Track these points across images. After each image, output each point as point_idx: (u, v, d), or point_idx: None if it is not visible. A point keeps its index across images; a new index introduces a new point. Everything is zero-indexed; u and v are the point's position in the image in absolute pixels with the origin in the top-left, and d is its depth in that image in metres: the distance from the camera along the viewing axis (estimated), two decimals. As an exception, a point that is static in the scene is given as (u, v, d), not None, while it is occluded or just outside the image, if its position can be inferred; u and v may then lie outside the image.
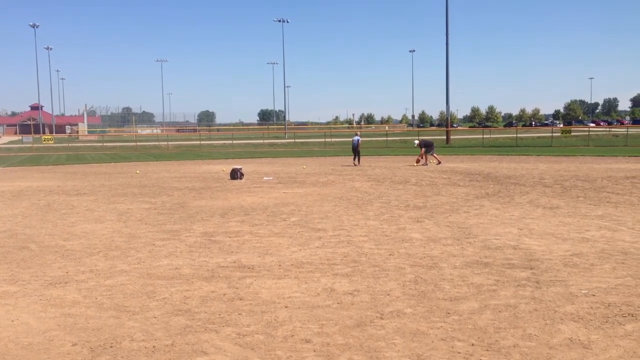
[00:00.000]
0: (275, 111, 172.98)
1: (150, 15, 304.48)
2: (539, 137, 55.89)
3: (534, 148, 39.80)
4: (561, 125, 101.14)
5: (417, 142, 29.18)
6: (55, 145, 61.00)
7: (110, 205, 14.59)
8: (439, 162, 26.89)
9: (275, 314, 5.97)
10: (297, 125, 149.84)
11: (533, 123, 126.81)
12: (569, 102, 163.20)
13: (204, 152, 44.57)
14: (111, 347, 5.16)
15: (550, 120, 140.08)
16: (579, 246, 8.88)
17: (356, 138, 28.85)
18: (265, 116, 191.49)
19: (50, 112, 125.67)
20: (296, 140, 65.27)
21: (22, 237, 10.50)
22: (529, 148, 39.94)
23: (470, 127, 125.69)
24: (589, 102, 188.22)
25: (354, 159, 28.48)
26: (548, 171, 21.95)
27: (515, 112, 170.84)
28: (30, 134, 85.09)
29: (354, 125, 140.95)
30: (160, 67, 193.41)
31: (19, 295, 6.82)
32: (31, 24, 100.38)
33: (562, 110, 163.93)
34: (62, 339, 5.38)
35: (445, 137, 50.93)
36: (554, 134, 49.64)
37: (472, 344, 5.08)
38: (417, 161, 27.28)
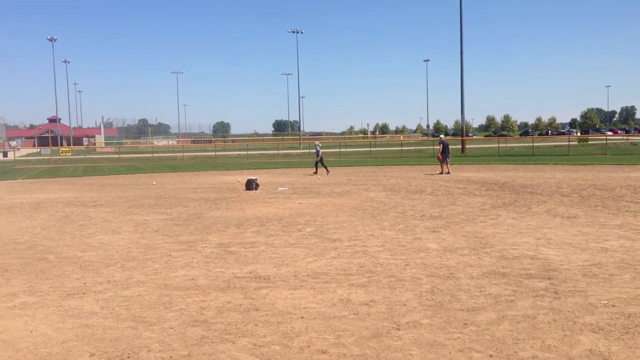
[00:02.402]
0: (290, 122, 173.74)
1: (166, 28, 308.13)
2: (555, 146, 55.46)
3: (550, 157, 39.48)
4: (578, 134, 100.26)
5: (442, 136, 29.79)
6: (73, 157, 61.68)
7: (127, 216, 14.70)
8: (446, 173, 26.71)
9: (292, 325, 5.96)
10: (312, 135, 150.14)
11: (549, 132, 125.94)
12: (586, 110, 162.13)
13: (219, 163, 44.79)
14: (128, 357, 5.19)
15: (567, 129, 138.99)
16: (598, 256, 8.78)
17: (319, 149, 29.85)
18: (280, 127, 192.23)
19: (67, 124, 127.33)
20: (311, 150, 65.31)
21: (41, 248, 10.61)
22: (546, 157, 39.63)
23: (485, 136, 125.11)
24: (606, 110, 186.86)
25: (324, 168, 29.28)
26: (565, 180, 21.76)
27: (531, 120, 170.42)
28: (48, 146, 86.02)
29: (369, 135, 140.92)
30: (176, 79, 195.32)
31: (37, 306, 6.89)
32: (49, 37, 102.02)
33: (579, 118, 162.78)
34: (80, 349, 5.42)
35: (460, 146, 50.70)
36: (570, 143, 49.20)
37: (490, 355, 5.03)
38: (442, 168, 27.15)
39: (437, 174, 26.81)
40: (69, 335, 5.81)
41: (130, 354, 5.26)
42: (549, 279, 7.51)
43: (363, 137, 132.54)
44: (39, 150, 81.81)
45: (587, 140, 54.74)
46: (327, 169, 29.16)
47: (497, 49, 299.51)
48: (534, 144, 51.84)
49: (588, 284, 7.24)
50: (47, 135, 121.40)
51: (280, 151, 65.27)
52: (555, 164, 32.11)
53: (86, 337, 5.74)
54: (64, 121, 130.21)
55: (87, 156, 64.87)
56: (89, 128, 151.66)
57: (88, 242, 11.12)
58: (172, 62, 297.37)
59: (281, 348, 5.34)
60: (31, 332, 5.95)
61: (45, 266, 9.05)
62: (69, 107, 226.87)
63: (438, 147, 27.67)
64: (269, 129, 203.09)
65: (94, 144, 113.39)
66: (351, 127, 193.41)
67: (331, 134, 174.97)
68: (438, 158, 27.55)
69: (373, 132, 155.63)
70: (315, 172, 29.22)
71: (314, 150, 30.22)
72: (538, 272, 7.89)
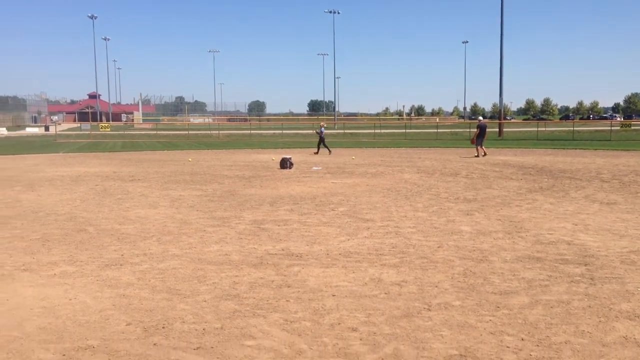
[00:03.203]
0: (325, 102, 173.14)
1: (203, 6, 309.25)
2: (597, 131, 54.13)
3: (591, 142, 38.53)
4: (621, 119, 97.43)
5: (481, 118, 29.36)
6: (112, 132, 62.85)
7: (164, 191, 14.95)
8: (483, 155, 26.33)
9: (323, 302, 6.01)
10: (347, 116, 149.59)
11: (591, 116, 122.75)
12: (630, 94, 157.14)
13: (254, 142, 45.06)
14: (163, 327, 5.32)
15: (609, 114, 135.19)
16: (637, 243, 8.58)
17: (323, 129, 30.36)
18: (315, 107, 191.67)
19: (107, 100, 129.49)
20: (345, 131, 65.21)
21: (81, 220, 10.89)
22: (586, 142, 38.69)
23: (524, 119, 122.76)
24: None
25: (325, 148, 29.62)
26: (606, 166, 21.24)
27: (572, 104, 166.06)
28: (88, 121, 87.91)
29: (404, 116, 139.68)
30: (213, 58, 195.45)
31: (76, 275, 7.09)
32: (89, 15, 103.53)
33: (622, 103, 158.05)
34: (117, 318, 5.57)
35: (498, 129, 49.83)
36: (613, 128, 47.93)
37: (522, 339, 4.99)
38: (478, 150, 26.77)
39: (474, 156, 26.46)
40: (107, 304, 5.98)
41: (165, 325, 5.39)
42: (586, 264, 7.39)
43: (398, 119, 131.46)
44: (79, 125, 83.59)
45: (630, 125, 53.20)
46: (318, 150, 29.61)
47: (539, 30, 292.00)
48: (575, 129, 50.65)
49: (626, 270, 7.10)
50: (87, 110, 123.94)
51: (315, 131, 65.26)
52: (596, 149, 31.33)
53: (123, 307, 5.89)
54: (104, 97, 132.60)
55: (125, 132, 66.01)
56: (127, 104, 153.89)
57: (126, 215, 11.37)
58: (209, 40, 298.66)
59: (312, 324, 5.39)
60: (70, 300, 6.14)
61: (84, 237, 9.29)
62: (108, 84, 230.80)
63: (475, 130, 27.23)
64: (304, 109, 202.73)
65: (132, 120, 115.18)
66: (386, 109, 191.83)
67: (366, 114, 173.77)
68: (472, 141, 27.20)
69: (409, 114, 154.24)
70: (328, 152, 29.35)
71: (318, 131, 30.37)
72: (574, 257, 7.76)
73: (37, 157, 28.60)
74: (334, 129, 77.42)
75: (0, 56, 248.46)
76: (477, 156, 26.30)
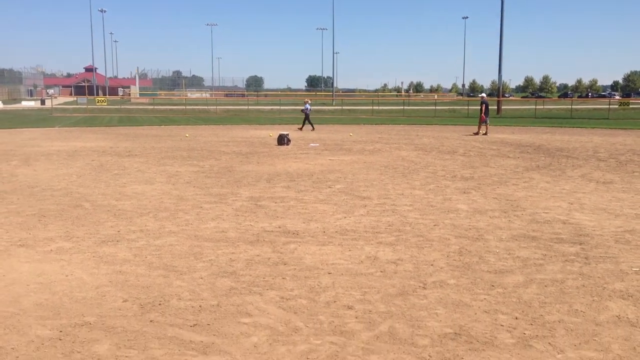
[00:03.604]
0: (324, 77, 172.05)
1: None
2: (595, 109, 53.94)
3: (589, 120, 38.45)
4: (619, 97, 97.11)
5: (484, 95, 29.08)
6: (108, 107, 62.45)
7: (160, 167, 14.92)
8: (483, 134, 26.18)
9: (319, 280, 6.04)
10: (345, 92, 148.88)
11: (589, 94, 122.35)
12: (629, 73, 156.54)
13: (251, 117, 44.84)
14: (160, 304, 5.34)
15: (608, 92, 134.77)
16: (632, 223, 8.61)
17: (308, 106, 30.29)
18: (313, 82, 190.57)
19: (103, 74, 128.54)
20: (343, 107, 64.88)
21: (77, 195, 10.87)
22: (584, 120, 38.60)
23: (522, 97, 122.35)
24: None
25: (303, 124, 29.86)
26: (603, 144, 21.24)
27: (571, 82, 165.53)
28: (85, 95, 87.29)
29: (403, 93, 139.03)
30: (210, 32, 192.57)
31: (73, 251, 7.10)
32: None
33: (621, 81, 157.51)
34: (113, 294, 5.59)
35: (496, 107, 49.60)
36: (611, 106, 47.76)
37: (516, 318, 5.03)
38: (479, 128, 26.52)
39: (473, 134, 26.38)
40: (103, 281, 5.99)
41: (161, 301, 5.41)
42: (580, 244, 7.42)
43: (397, 95, 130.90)
44: (75, 99, 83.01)
45: (628, 103, 53.08)
46: (303, 127, 29.67)
47: (539, 7, 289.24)
48: (573, 107, 50.50)
49: (620, 250, 7.14)
50: (83, 84, 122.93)
51: (312, 107, 64.91)
52: (594, 128, 31.30)
53: (119, 283, 5.91)
54: (100, 71, 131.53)
55: (122, 106, 65.56)
56: (124, 78, 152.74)
57: (122, 191, 11.35)
58: (207, 13, 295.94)
59: (308, 302, 5.42)
60: (67, 276, 6.16)
61: (80, 213, 9.29)
62: (105, 57, 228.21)
63: (480, 107, 26.54)
64: (302, 85, 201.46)
65: (129, 94, 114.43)
66: (385, 85, 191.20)
67: (365, 91, 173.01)
68: (481, 119, 26.24)
69: (407, 91, 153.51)
70: (303, 128, 29.58)
71: (303, 107, 30.43)
72: (569, 236, 7.80)
73: (33, 131, 28.46)
74: (332, 105, 77.02)
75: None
76: (477, 134, 26.23)
